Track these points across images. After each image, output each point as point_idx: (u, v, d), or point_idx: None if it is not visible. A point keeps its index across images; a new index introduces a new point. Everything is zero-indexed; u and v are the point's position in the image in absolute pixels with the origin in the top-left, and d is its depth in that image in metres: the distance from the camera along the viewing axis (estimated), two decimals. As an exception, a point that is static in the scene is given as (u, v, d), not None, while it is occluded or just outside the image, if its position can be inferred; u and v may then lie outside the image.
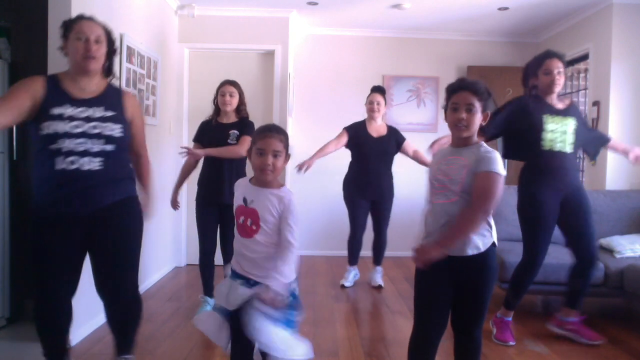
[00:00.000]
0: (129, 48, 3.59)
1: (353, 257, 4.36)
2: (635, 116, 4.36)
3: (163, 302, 3.80)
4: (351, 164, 4.30)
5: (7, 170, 3.16)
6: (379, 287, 4.28)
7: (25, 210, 3.20)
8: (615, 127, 4.31)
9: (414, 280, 2.05)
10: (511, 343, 3.02)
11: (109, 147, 2.06)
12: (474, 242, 1.92)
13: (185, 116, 4.96)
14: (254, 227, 1.90)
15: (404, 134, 4.40)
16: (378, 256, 4.36)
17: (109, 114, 2.07)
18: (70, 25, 2.08)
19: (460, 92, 1.94)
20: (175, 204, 3.51)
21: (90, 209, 2.06)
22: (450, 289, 1.96)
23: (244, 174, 3.40)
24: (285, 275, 1.85)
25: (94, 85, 2.12)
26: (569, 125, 2.97)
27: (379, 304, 3.87)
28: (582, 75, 5.09)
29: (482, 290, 1.97)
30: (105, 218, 2.11)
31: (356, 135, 4.16)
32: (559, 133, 2.94)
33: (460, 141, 1.98)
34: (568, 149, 2.95)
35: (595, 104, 4.51)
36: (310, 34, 5.61)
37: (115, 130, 2.07)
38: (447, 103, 2.00)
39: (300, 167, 3.92)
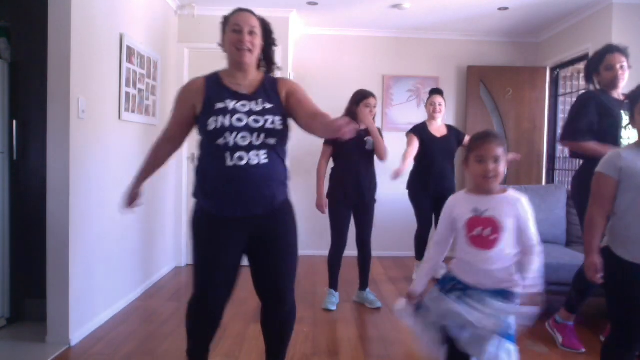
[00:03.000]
0: (129, 48, 3.59)
1: (420, 253, 4.50)
2: (635, 116, 4.36)
3: (163, 302, 3.80)
4: (416, 164, 4.47)
5: (7, 170, 3.16)
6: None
7: (25, 210, 3.21)
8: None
9: (612, 282, 1.96)
10: (583, 350, 2.93)
11: (272, 141, 2.01)
12: None
13: (185, 116, 4.95)
14: (492, 238, 1.84)
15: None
16: None
17: (268, 105, 2.03)
18: (228, 19, 2.09)
19: None
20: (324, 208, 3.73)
21: (259, 209, 2.02)
22: None
23: (375, 175, 3.76)
24: (531, 281, 1.81)
25: (250, 78, 2.09)
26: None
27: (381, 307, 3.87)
28: (582, 75, 5.09)
29: None
30: (272, 219, 2.06)
31: (421, 137, 4.35)
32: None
33: None
34: None
35: (595, 104, 4.51)
36: (310, 34, 5.61)
37: (276, 122, 2.01)
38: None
39: (395, 176, 3.99)
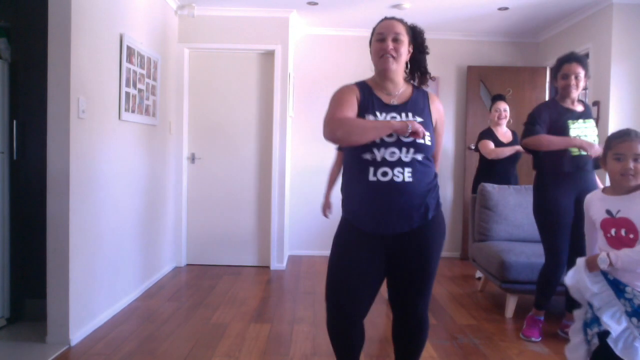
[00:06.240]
0: (129, 48, 3.59)
1: None
2: (636, 116, 4.36)
3: (163, 302, 3.80)
4: (480, 168, 4.62)
5: (7, 170, 3.16)
6: (479, 279, 4.68)
7: (25, 210, 3.21)
8: (615, 127, 4.29)
9: None
10: (534, 339, 3.10)
11: (419, 156, 1.90)
12: None
13: (185, 116, 4.96)
14: (631, 236, 1.80)
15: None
16: None
17: (419, 120, 1.95)
18: (374, 30, 2.05)
19: None
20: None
21: (404, 228, 1.92)
22: None
23: None
24: None
25: (399, 90, 2.03)
26: (591, 127, 2.96)
27: (379, 304, 3.87)
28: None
29: None
30: (416, 238, 1.95)
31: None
32: (583, 137, 2.92)
33: None
34: None
35: (595, 104, 4.51)
36: (310, 34, 5.61)
37: (426, 138, 1.91)
38: None
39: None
